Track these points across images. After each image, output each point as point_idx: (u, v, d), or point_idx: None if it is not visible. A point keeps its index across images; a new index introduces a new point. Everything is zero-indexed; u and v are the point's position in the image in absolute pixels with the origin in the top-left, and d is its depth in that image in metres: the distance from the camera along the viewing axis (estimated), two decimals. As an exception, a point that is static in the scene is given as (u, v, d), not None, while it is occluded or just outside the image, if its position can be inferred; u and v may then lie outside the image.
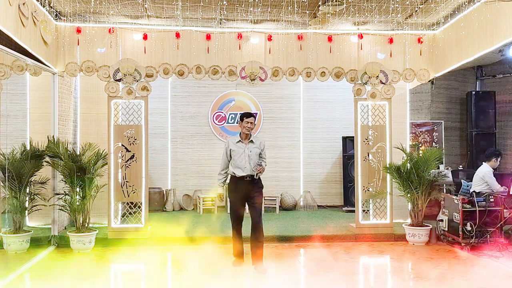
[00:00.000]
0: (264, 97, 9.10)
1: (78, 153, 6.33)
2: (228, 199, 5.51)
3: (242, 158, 5.08)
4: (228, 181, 5.32)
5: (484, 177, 6.48)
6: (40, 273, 5.08)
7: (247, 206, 5.24)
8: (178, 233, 6.68)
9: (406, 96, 7.47)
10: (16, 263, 5.33)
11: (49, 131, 6.31)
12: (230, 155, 5.18)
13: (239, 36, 6.65)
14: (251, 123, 5.11)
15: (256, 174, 5.06)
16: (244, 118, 5.14)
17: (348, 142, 8.58)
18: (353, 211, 7.48)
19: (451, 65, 6.61)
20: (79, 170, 6.05)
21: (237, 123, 9.05)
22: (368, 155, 6.82)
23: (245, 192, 5.09)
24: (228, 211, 5.87)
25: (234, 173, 5.12)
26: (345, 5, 6.02)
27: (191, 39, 6.61)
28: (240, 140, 5.17)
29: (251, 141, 5.15)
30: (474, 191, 6.38)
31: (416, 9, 6.32)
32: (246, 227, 5.28)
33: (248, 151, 5.10)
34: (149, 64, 6.53)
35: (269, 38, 6.72)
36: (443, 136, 8.71)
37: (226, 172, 5.29)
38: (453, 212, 6.27)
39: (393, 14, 6.41)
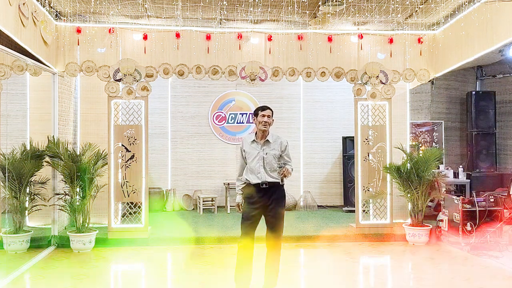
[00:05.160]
0: (264, 97, 9.09)
1: (78, 153, 6.33)
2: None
3: (255, 162, 4.16)
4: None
5: None
6: (40, 273, 5.08)
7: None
8: (178, 233, 6.69)
9: (406, 96, 7.47)
10: (16, 263, 5.32)
11: (49, 131, 6.31)
12: (245, 157, 4.29)
13: (239, 36, 6.65)
14: (268, 116, 4.16)
15: (281, 179, 4.17)
16: (259, 111, 4.20)
17: (348, 142, 8.58)
18: (353, 211, 7.48)
19: (451, 65, 6.61)
20: (79, 170, 6.05)
21: (237, 122, 9.06)
22: (368, 155, 6.82)
23: (261, 203, 4.15)
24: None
25: (248, 180, 4.20)
26: (345, 5, 6.02)
27: (191, 39, 6.61)
28: (254, 140, 4.24)
29: (267, 141, 4.20)
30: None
31: (416, 9, 6.32)
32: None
33: (263, 153, 4.16)
34: (149, 64, 6.53)
35: (269, 38, 6.72)
36: (443, 136, 8.71)
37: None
38: (453, 212, 6.27)
39: (393, 14, 6.41)
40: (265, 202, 4.15)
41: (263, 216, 4.25)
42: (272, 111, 4.27)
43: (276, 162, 4.18)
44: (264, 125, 4.15)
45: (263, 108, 4.24)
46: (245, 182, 4.27)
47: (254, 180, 4.15)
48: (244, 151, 4.27)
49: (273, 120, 4.25)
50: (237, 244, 4.27)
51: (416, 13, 6.48)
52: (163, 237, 6.53)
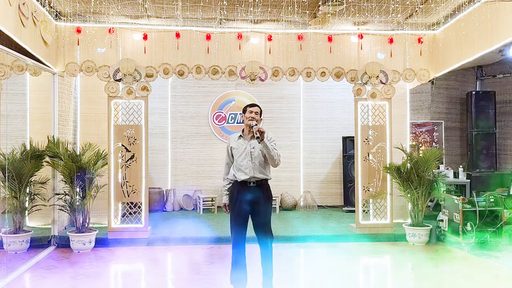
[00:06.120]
0: (264, 97, 9.10)
1: (78, 153, 6.33)
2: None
3: (243, 157, 4.13)
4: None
5: None
6: (40, 273, 5.08)
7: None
8: (178, 233, 6.69)
9: (406, 96, 7.47)
10: (16, 263, 5.32)
11: (49, 131, 6.31)
12: (232, 155, 4.28)
13: (239, 36, 6.65)
14: (255, 113, 4.17)
15: (256, 132, 4.01)
16: (248, 108, 4.23)
17: (348, 142, 8.58)
18: (353, 211, 7.48)
19: (451, 65, 6.61)
20: (79, 170, 6.05)
21: (237, 122, 9.06)
22: (368, 155, 6.82)
23: (249, 202, 4.10)
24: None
25: (235, 177, 4.18)
26: (345, 5, 6.02)
27: (191, 39, 6.61)
28: (241, 136, 4.25)
29: (254, 136, 4.13)
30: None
31: (416, 9, 6.32)
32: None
33: (250, 147, 4.14)
34: (149, 64, 6.53)
35: (269, 38, 6.72)
36: (443, 136, 8.71)
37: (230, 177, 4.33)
38: (453, 212, 6.27)
39: (393, 14, 6.41)
40: (254, 200, 4.11)
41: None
42: (261, 110, 4.28)
43: (263, 156, 4.14)
44: (251, 120, 4.13)
45: (252, 105, 4.28)
46: (231, 181, 4.26)
47: (242, 176, 4.12)
48: (231, 148, 4.26)
49: (261, 119, 4.26)
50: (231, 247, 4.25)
51: (416, 13, 6.48)
52: (163, 237, 6.53)
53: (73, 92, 7.13)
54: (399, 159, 6.85)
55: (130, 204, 6.63)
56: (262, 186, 4.17)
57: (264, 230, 4.16)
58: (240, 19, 6.73)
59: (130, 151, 6.48)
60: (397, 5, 6.12)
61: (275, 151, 4.13)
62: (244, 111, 4.25)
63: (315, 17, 6.60)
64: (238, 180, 4.15)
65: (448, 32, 6.64)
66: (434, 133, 8.72)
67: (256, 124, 4.09)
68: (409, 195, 6.55)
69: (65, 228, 6.76)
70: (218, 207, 8.60)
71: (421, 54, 6.96)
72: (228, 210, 4.29)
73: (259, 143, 4.05)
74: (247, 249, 4.25)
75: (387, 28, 7.08)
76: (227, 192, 4.29)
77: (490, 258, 5.65)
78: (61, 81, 6.57)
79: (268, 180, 4.25)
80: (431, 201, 7.26)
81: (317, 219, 7.81)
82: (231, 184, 4.27)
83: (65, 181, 6.18)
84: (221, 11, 6.37)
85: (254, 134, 4.03)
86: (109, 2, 6.03)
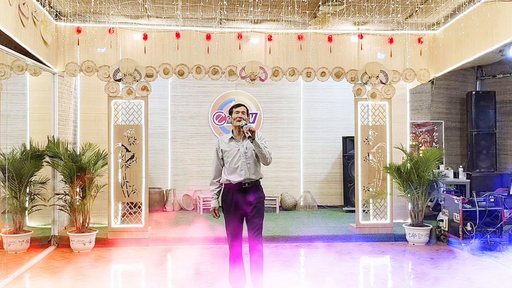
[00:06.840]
0: (264, 97, 9.10)
1: (78, 153, 6.33)
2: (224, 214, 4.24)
3: (237, 159, 4.06)
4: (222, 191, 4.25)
5: None
6: (40, 273, 5.09)
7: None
8: (178, 233, 6.69)
9: (406, 96, 7.47)
10: (16, 263, 5.33)
11: (49, 131, 6.31)
12: (222, 158, 4.17)
13: (239, 36, 6.65)
14: (242, 112, 4.10)
15: (248, 132, 3.96)
16: (234, 109, 4.15)
17: (348, 142, 8.58)
18: (353, 211, 7.48)
19: (451, 65, 6.61)
20: (79, 170, 6.05)
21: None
22: (368, 155, 6.82)
23: (245, 203, 4.06)
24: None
25: (229, 180, 4.09)
26: (345, 5, 6.02)
27: (191, 39, 6.61)
28: (232, 137, 4.17)
29: (245, 136, 4.07)
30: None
31: (416, 9, 6.32)
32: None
33: (243, 149, 4.07)
34: (149, 64, 6.53)
35: (269, 38, 6.72)
36: (443, 136, 8.70)
37: (219, 181, 4.22)
38: (453, 212, 6.27)
39: (393, 14, 6.41)
40: (249, 202, 4.06)
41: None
42: (247, 109, 4.23)
43: (256, 156, 4.11)
44: (239, 120, 4.07)
45: (237, 105, 4.21)
46: (219, 186, 4.22)
47: (236, 178, 4.05)
48: (221, 151, 4.16)
49: (248, 116, 4.21)
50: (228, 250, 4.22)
51: (416, 13, 6.48)
52: (163, 237, 6.53)
53: (73, 92, 7.13)
54: (399, 159, 6.85)
55: (130, 204, 6.63)
56: (256, 186, 4.14)
57: (258, 232, 4.09)
58: (240, 19, 6.73)
59: (130, 151, 6.48)
60: (397, 5, 6.12)
61: (267, 149, 4.08)
62: (231, 112, 4.18)
63: (315, 17, 6.60)
64: (233, 183, 4.08)
65: (448, 32, 6.64)
66: (434, 133, 8.71)
67: (246, 124, 4.02)
68: (409, 195, 6.55)
69: (65, 228, 6.76)
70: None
71: (421, 54, 6.96)
72: (217, 215, 4.22)
73: (252, 142, 4.00)
74: (245, 249, 4.25)
75: (387, 28, 7.07)
76: (216, 196, 4.24)
77: (490, 258, 5.65)
78: (61, 81, 6.57)
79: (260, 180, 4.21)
80: (431, 201, 7.25)
81: (317, 219, 7.81)
82: (220, 189, 4.23)
83: (65, 181, 6.18)
84: (221, 11, 6.37)
85: (246, 133, 3.98)
86: (109, 2, 6.03)
